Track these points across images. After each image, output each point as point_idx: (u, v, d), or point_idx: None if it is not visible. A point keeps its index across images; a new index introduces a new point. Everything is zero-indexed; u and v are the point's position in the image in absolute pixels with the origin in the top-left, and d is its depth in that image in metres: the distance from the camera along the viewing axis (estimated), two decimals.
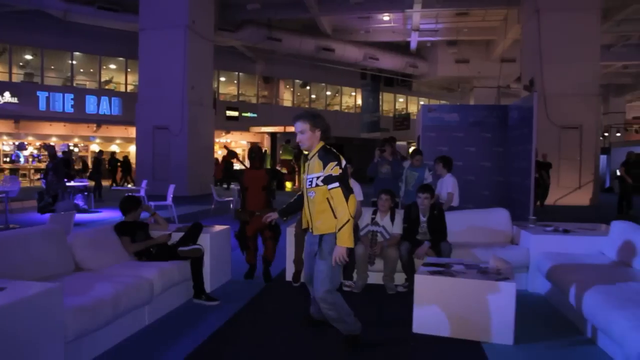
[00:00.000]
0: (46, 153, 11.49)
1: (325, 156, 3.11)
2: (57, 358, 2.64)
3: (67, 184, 9.17)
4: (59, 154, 9.47)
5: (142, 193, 10.89)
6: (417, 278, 3.65)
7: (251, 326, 3.85)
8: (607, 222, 4.89)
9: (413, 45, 24.14)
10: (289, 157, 20.35)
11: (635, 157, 12.42)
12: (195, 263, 4.26)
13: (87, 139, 24.86)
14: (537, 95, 14.53)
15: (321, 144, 3.20)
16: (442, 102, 34.76)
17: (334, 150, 3.19)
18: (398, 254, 4.55)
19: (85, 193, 11.12)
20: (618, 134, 29.93)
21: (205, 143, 17.50)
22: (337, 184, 3.04)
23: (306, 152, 3.28)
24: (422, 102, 34.00)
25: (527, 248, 4.72)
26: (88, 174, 17.09)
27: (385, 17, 21.37)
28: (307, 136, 3.17)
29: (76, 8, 17.91)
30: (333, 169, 3.04)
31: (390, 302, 4.41)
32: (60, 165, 8.80)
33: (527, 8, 15.68)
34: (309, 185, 3.15)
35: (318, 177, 3.10)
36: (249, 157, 5.12)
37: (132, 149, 26.27)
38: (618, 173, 14.03)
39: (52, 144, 15.66)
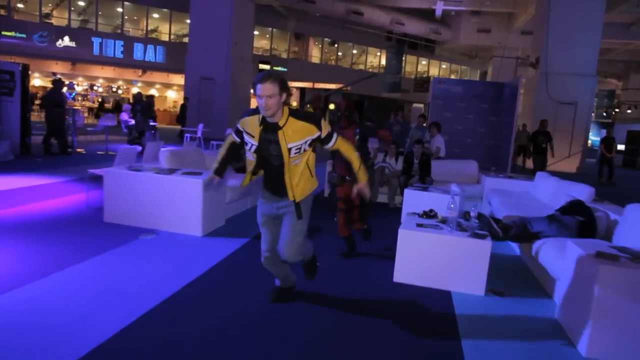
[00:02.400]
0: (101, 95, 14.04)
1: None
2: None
3: (151, 123, 11.87)
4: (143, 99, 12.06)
5: (199, 134, 13.60)
6: (401, 233, 3.90)
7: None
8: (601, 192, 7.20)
9: (438, 13, 25.77)
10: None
11: (609, 133, 14.63)
12: None
13: (130, 82, 27.53)
14: (539, 73, 16.71)
15: (286, 108, 2.81)
16: (463, 67, 36.45)
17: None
18: (398, 182, 7.18)
19: (153, 131, 13.86)
20: (629, 110, 31.45)
21: (244, 94, 20.02)
22: (336, 135, 2.94)
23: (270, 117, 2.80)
24: (443, 66, 35.77)
25: (483, 186, 7.31)
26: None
27: None
28: (275, 100, 2.69)
29: None
30: (326, 125, 2.87)
31: (388, 213, 7.04)
32: (146, 108, 11.48)
33: None
34: (296, 153, 2.81)
35: (306, 142, 2.81)
36: (345, 111, 4.42)
37: (169, 94, 29.00)
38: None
39: (138, 90, 18.19)
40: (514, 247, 5.38)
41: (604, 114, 34.90)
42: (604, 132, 18.82)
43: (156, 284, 3.50)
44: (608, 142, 14.43)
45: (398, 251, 3.98)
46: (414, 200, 5.77)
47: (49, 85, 11.90)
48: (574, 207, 4.39)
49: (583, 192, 4.95)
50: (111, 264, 3.86)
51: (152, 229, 4.87)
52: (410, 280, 3.95)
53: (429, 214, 4.49)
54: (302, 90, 27.58)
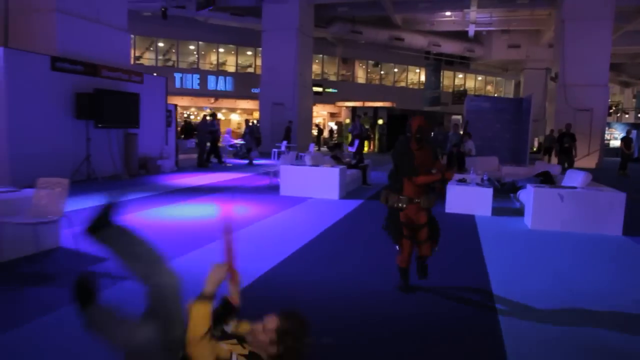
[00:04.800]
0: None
1: None
2: None
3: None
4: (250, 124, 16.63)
5: (283, 148, 18.00)
6: (449, 187, 8.39)
7: None
8: (603, 179, 11.08)
9: (471, 34, 29.72)
10: (366, 126, 27.12)
11: (628, 133, 18.06)
12: None
13: (201, 108, 32.65)
14: (558, 85, 20.37)
15: None
16: (498, 79, 39.94)
17: None
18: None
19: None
20: None
21: (306, 115, 24.47)
22: None
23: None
24: (479, 78, 39.40)
25: (502, 172, 11.23)
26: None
27: (447, 13, 27.17)
28: None
29: (217, 15, 25.12)
30: None
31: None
32: (253, 131, 16.00)
33: (557, 15, 21.17)
34: None
35: None
36: (416, 134, 4.09)
37: (233, 117, 33.96)
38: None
39: (246, 119, 22.96)
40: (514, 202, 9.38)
41: (639, 115, 37.52)
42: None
43: (316, 223, 7.65)
44: (627, 141, 17.89)
45: (448, 195, 8.08)
46: (454, 191, 9.86)
47: None
48: (543, 174, 8.39)
49: (580, 176, 8.31)
50: (288, 216, 8.07)
51: (309, 197, 9.13)
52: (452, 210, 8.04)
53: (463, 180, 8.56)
54: (353, 108, 31.90)
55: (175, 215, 7.27)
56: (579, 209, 6.76)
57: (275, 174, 10.49)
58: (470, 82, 38.87)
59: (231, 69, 31.36)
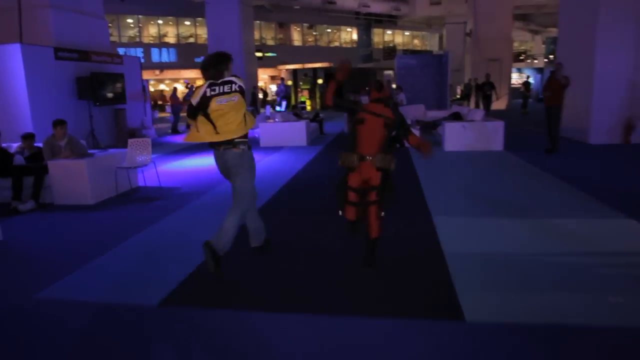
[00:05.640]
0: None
1: None
2: None
3: None
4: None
5: (283, 108, 20.39)
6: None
7: None
8: (508, 117, 14.40)
9: None
10: (307, 87, 29.80)
11: (527, 78, 22.03)
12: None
13: (148, 80, 33.83)
14: (472, 39, 23.88)
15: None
16: (423, 33, 43.45)
17: None
18: None
19: None
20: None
21: (253, 81, 26.75)
22: None
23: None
24: (406, 33, 42.72)
25: (427, 116, 14.46)
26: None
27: None
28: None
29: None
30: None
31: None
32: None
33: None
34: None
35: None
36: (374, 87, 4.01)
37: (178, 86, 35.37)
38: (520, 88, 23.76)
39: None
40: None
41: (546, 60, 42.52)
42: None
43: (298, 160, 10.52)
44: (526, 85, 21.80)
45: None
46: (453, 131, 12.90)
47: None
48: (454, 114, 11.62)
49: (478, 113, 11.92)
50: (277, 159, 10.85)
51: (282, 146, 11.90)
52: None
53: None
54: (293, 71, 34.32)
55: (196, 164, 9.87)
56: (475, 135, 10.04)
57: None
58: (398, 38, 42.13)
59: (172, 40, 32.65)
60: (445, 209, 5.79)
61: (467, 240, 4.62)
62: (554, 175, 7.47)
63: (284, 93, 25.69)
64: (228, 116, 3.72)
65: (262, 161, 9.88)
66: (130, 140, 7.17)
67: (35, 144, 7.18)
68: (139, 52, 30.58)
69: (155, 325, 3.19)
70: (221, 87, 3.74)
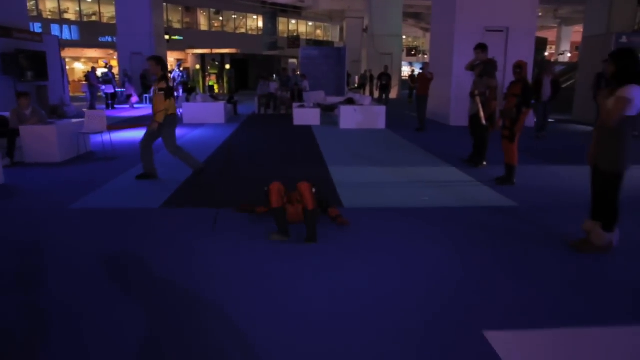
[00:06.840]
0: None
1: None
2: None
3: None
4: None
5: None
6: (294, 110, 15.66)
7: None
8: (394, 104, 17.20)
9: None
10: (215, 71, 31.35)
11: (413, 72, 25.64)
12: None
13: None
14: (368, 35, 27.09)
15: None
16: (326, 24, 46.45)
17: None
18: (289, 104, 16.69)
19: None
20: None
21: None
22: None
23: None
24: (310, 24, 45.41)
25: (327, 101, 17.10)
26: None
27: None
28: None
29: None
30: None
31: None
32: (131, 79, 19.41)
33: None
34: None
35: None
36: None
37: (77, 65, 35.04)
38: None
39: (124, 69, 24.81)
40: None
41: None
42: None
43: (221, 134, 12.60)
44: (412, 78, 25.38)
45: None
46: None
47: None
48: (348, 99, 14.35)
49: (367, 99, 14.70)
50: (201, 133, 12.83)
51: (205, 122, 13.82)
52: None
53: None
54: (202, 55, 35.45)
55: (127, 135, 11.53)
56: (364, 116, 12.82)
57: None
58: (302, 27, 44.70)
59: (73, 17, 32.25)
60: (336, 162, 8.35)
61: (349, 177, 7.21)
62: (417, 145, 10.39)
63: (181, 78, 25.57)
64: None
65: (192, 134, 11.81)
66: (87, 112, 8.84)
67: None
68: (37, 27, 29.92)
69: (159, 218, 5.32)
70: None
